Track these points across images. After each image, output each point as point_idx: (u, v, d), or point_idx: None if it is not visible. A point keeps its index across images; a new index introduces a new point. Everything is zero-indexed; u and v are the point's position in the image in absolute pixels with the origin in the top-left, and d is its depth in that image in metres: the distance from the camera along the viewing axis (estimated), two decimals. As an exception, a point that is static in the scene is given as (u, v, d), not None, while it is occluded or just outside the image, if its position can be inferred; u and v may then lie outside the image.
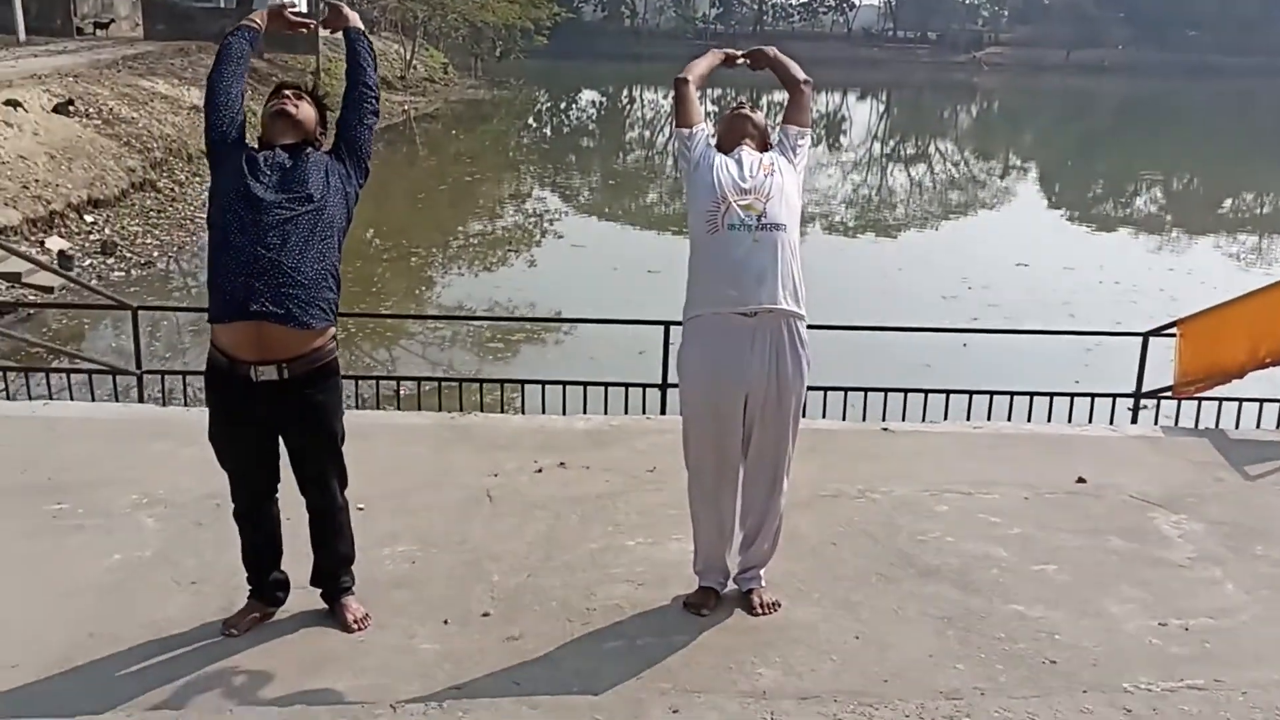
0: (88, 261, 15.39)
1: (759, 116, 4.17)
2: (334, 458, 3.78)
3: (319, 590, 3.93)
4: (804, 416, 4.17)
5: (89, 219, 17.19)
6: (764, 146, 4.08)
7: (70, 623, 3.83)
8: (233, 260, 3.48)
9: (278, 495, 3.85)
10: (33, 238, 15.19)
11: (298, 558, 3.96)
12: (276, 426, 3.69)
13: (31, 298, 13.00)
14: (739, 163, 3.91)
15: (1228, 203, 28.95)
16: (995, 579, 4.34)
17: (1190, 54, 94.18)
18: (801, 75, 4.19)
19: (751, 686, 3.51)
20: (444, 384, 8.06)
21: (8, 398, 7.82)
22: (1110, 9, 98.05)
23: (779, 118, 4.30)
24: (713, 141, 4.08)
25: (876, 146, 42.86)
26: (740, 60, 4.31)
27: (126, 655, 3.62)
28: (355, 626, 3.81)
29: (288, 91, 3.84)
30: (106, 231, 16.99)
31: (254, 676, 3.52)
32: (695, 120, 4.06)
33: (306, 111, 3.78)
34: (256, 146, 3.72)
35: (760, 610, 3.98)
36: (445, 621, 3.89)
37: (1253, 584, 4.36)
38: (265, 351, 3.50)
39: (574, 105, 56.19)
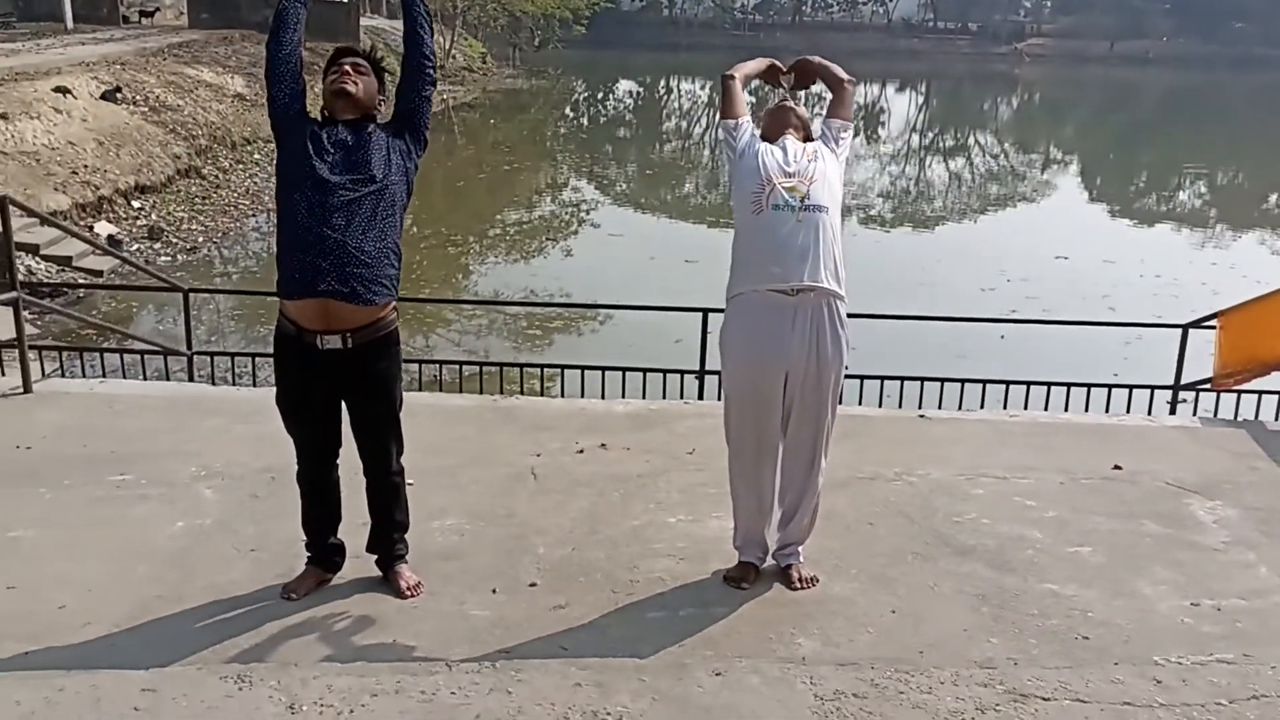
0: (135, 246, 15.68)
1: (802, 109, 4.28)
2: (393, 423, 3.94)
3: (374, 558, 4.08)
4: (841, 403, 4.29)
5: (136, 204, 17.51)
6: (807, 137, 4.19)
7: (138, 584, 4.01)
8: (300, 240, 3.62)
9: (338, 462, 4.00)
10: (81, 222, 15.48)
11: (353, 529, 4.11)
12: (340, 392, 3.85)
13: (81, 280, 13.31)
14: (784, 149, 4.02)
15: (1273, 197, 28.65)
16: (1030, 559, 4.42)
17: (1237, 46, 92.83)
18: (844, 75, 4.30)
19: (791, 654, 3.63)
20: (485, 370, 8.19)
21: (61, 376, 8.06)
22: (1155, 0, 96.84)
23: (818, 108, 4.39)
24: (757, 132, 4.18)
25: (915, 138, 42.68)
26: (786, 75, 4.39)
27: (192, 615, 3.78)
28: (409, 593, 3.96)
29: (346, 64, 3.84)
30: (153, 217, 17.29)
31: (313, 636, 3.67)
32: (741, 113, 4.18)
33: (367, 86, 3.84)
34: (320, 120, 3.81)
35: (799, 585, 4.10)
36: (494, 590, 4.03)
37: (1285, 568, 4.43)
38: (331, 323, 3.66)
39: (611, 95, 56.25)
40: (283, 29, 3.85)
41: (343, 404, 3.90)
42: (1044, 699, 3.30)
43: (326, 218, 3.61)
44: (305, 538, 4.04)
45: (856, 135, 41.94)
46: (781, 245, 3.84)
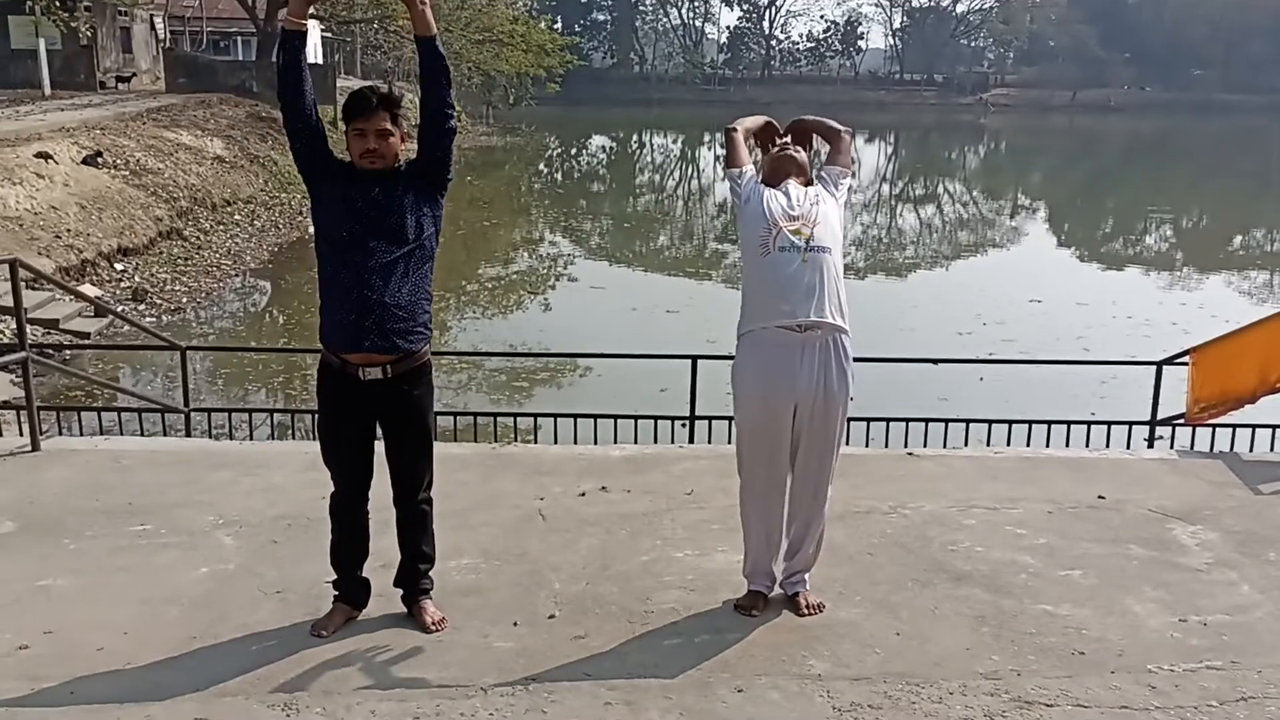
0: (119, 308, 15.77)
1: (801, 155, 4.51)
2: (426, 448, 4.16)
3: (399, 594, 4.24)
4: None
5: (119, 267, 17.63)
6: (808, 182, 4.42)
7: (171, 625, 4.16)
8: (341, 300, 3.92)
9: (369, 495, 4.20)
10: (70, 285, 15.58)
11: (376, 571, 4.28)
12: (378, 417, 4.10)
13: (71, 341, 13.41)
14: (786, 195, 4.26)
15: (1238, 239, 29.25)
16: (1024, 583, 4.64)
17: (1197, 92, 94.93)
18: (839, 126, 4.56)
19: (805, 672, 3.81)
20: (478, 420, 8.35)
21: (60, 434, 8.18)
22: (1115, 49, 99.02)
23: (818, 153, 4.62)
24: (759, 179, 4.42)
25: (886, 188, 43.32)
26: (782, 138, 4.62)
27: (228, 652, 3.93)
28: (434, 627, 4.13)
29: (370, 133, 3.93)
30: (136, 279, 17.40)
31: (349, 668, 3.83)
32: (743, 162, 4.43)
33: (391, 147, 4.01)
34: (347, 168, 4.02)
35: (806, 611, 4.28)
36: (515, 623, 4.19)
37: (1266, 585, 4.65)
38: (372, 360, 3.96)
39: (585, 150, 56.92)
40: (285, 79, 4.03)
41: (376, 436, 4.13)
42: (1047, 705, 3.50)
43: (366, 279, 3.88)
44: (333, 574, 4.21)
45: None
46: (788, 283, 4.07)
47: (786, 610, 4.32)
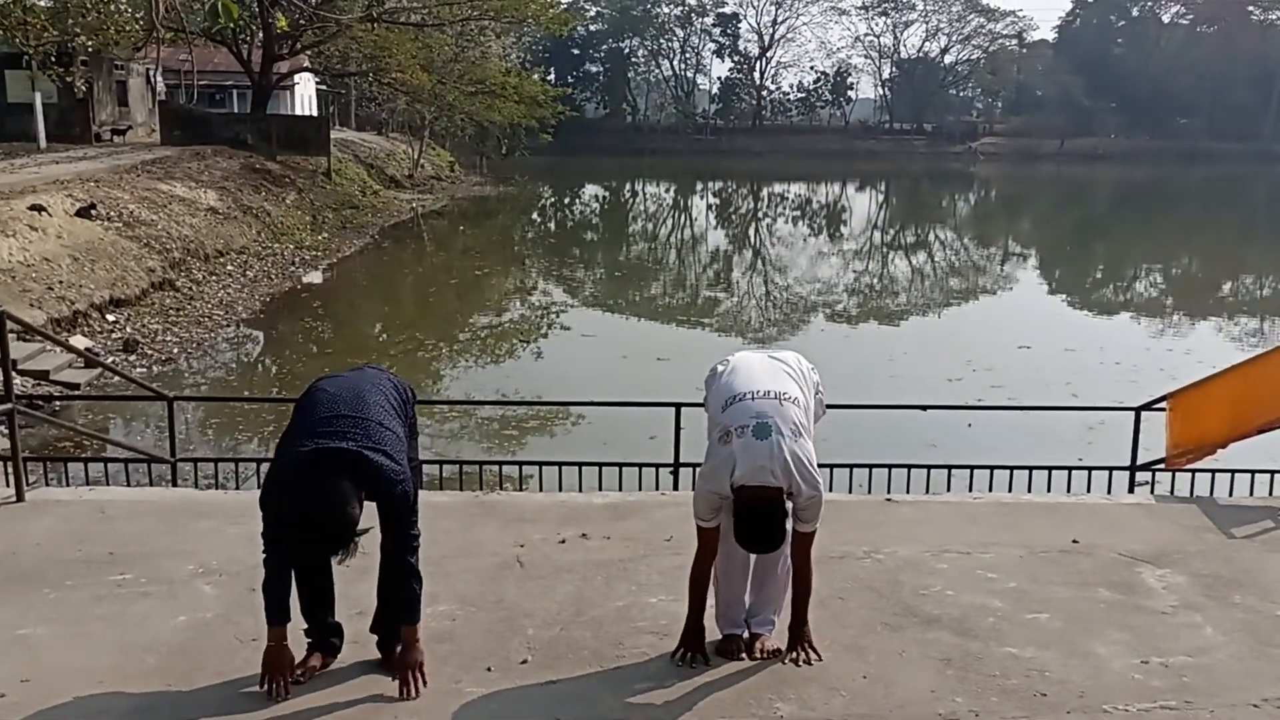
0: (110, 359, 15.83)
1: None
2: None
3: (374, 639, 4.29)
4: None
5: (111, 318, 17.73)
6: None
7: (148, 674, 4.21)
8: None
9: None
10: (58, 337, 15.67)
11: (348, 616, 4.32)
12: None
13: (59, 394, 13.47)
14: None
15: (1226, 286, 29.47)
16: (992, 626, 4.70)
17: (1183, 140, 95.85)
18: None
19: (770, 715, 3.87)
20: (464, 469, 8.40)
21: (46, 485, 8.23)
22: (1102, 98, 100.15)
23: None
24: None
25: (877, 235, 43.63)
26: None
27: (203, 701, 3.99)
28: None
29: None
30: (128, 330, 17.48)
31: (320, 716, 3.87)
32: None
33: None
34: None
35: (758, 654, 4.38)
36: (489, 669, 4.25)
37: (1230, 627, 4.72)
38: None
39: (578, 200, 57.30)
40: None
41: None
42: (1004, 746, 3.56)
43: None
44: (305, 624, 4.25)
45: (818, 234, 42.94)
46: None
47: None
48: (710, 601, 4.53)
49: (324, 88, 57.44)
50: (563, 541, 5.81)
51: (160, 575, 5.23)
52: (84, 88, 33.13)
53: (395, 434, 4.07)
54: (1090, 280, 31.23)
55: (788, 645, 4.38)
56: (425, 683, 4.07)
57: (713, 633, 4.50)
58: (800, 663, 4.30)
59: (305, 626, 4.26)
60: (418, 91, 41.68)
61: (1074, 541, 5.86)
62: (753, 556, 4.41)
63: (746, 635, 4.50)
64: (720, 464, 4.18)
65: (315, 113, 53.66)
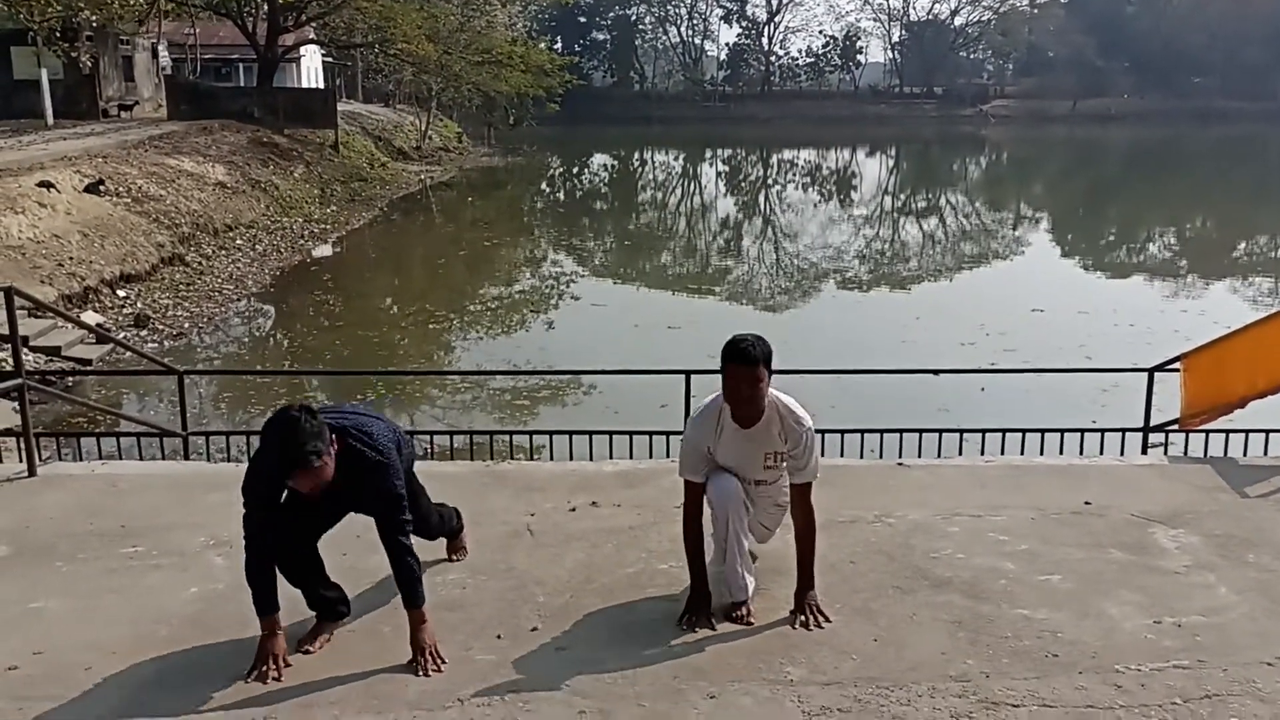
0: (121, 335, 15.88)
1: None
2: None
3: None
4: (823, 456, 4.54)
5: (121, 294, 17.76)
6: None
7: (159, 644, 4.22)
8: None
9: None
10: (68, 313, 15.70)
11: (363, 584, 4.32)
12: None
13: (72, 368, 13.51)
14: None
15: (1241, 246, 29.26)
16: (1003, 588, 4.68)
17: (1197, 100, 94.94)
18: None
19: (780, 678, 3.86)
20: (474, 440, 8.37)
21: (59, 460, 8.25)
22: (1115, 59, 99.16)
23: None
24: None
25: (888, 201, 43.39)
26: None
27: (213, 671, 4.00)
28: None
29: (306, 482, 3.86)
30: (138, 305, 17.52)
31: (329, 683, 3.89)
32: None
33: (328, 468, 3.89)
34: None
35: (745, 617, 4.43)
36: (498, 636, 4.25)
37: (1243, 586, 4.70)
38: None
39: (586, 169, 57.11)
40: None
41: None
42: (1014, 706, 3.55)
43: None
44: (305, 599, 4.30)
45: (828, 200, 42.77)
46: None
47: (769, 620, 4.37)
48: (718, 568, 4.53)
49: (330, 60, 57.28)
50: (573, 510, 5.80)
51: (171, 548, 5.25)
52: (89, 63, 33.09)
53: (385, 425, 4.14)
54: (1103, 242, 31.03)
55: (795, 609, 4.37)
56: (442, 661, 4.04)
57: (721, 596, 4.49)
58: (811, 626, 4.29)
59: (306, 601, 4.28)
60: (424, 62, 41.49)
61: (1086, 503, 5.83)
62: (747, 520, 4.42)
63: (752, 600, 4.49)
64: (708, 401, 4.39)
65: (321, 85, 53.48)
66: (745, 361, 4.18)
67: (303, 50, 47.66)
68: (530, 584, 4.77)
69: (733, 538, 4.36)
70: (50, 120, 31.34)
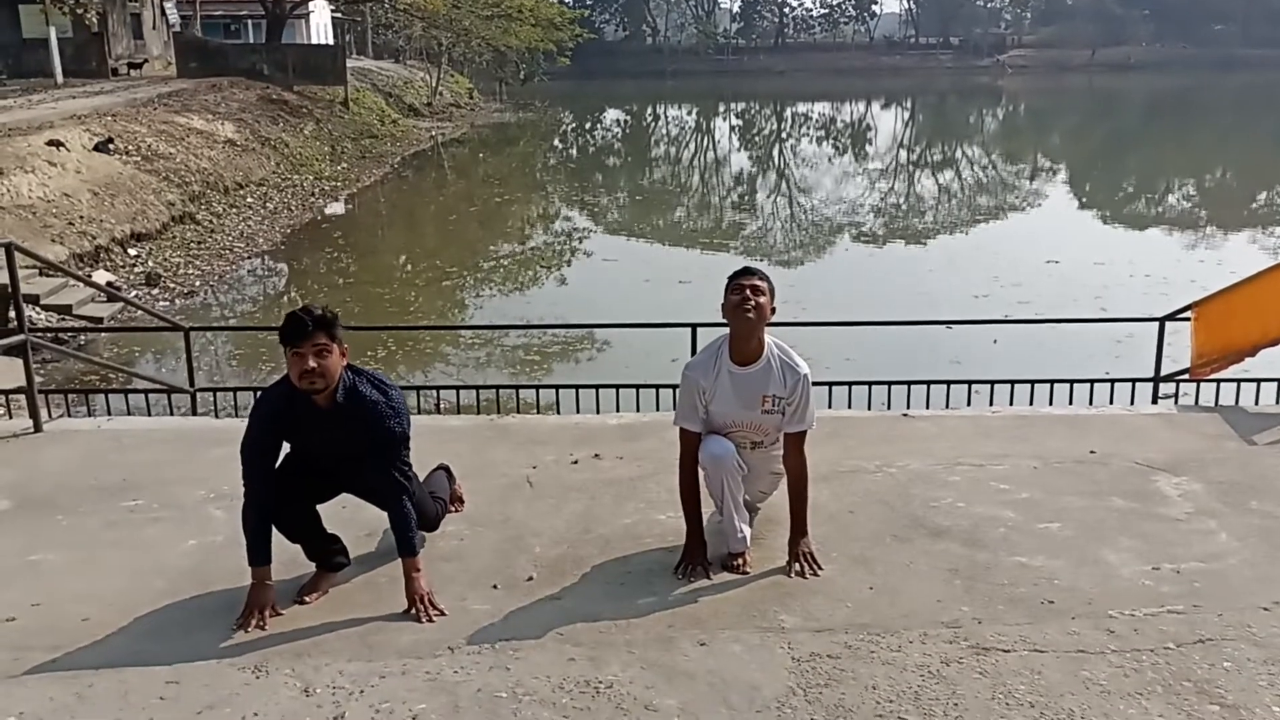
0: (133, 293, 15.91)
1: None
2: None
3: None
4: (831, 408, 4.48)
5: (132, 252, 17.78)
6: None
7: (156, 596, 4.23)
8: None
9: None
10: (79, 272, 15.74)
11: (361, 537, 4.32)
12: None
13: (84, 325, 13.56)
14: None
15: (1262, 195, 28.95)
16: (1002, 536, 4.66)
17: (1217, 48, 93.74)
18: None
19: (772, 626, 3.86)
20: (481, 395, 8.36)
21: (67, 417, 8.28)
22: (1134, 6, 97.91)
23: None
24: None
25: (903, 154, 43.08)
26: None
27: (210, 622, 4.01)
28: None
29: (307, 351, 3.90)
30: (149, 264, 17.55)
31: (326, 635, 3.90)
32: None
33: (331, 362, 3.96)
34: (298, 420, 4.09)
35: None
36: (494, 586, 4.25)
37: (1244, 533, 4.66)
38: None
39: (599, 125, 56.79)
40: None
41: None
42: (1005, 651, 3.54)
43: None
44: (304, 552, 4.31)
45: (843, 154, 42.45)
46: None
47: (764, 569, 4.37)
48: (717, 518, 4.52)
49: (339, 16, 56.92)
50: (575, 462, 5.79)
51: (172, 501, 5.26)
52: (96, 20, 32.94)
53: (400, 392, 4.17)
54: (1121, 194, 30.76)
55: (789, 558, 4.36)
56: (435, 611, 4.03)
57: (717, 548, 4.48)
58: (807, 575, 4.27)
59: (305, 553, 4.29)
60: (433, 17, 41.26)
61: (1091, 452, 5.78)
62: (744, 474, 4.43)
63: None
64: (707, 345, 4.51)
65: (331, 42, 53.22)
66: (748, 272, 4.32)
67: (311, 6, 47.38)
68: (528, 535, 4.76)
69: (729, 496, 4.35)
70: (60, 79, 31.29)
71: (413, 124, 42.22)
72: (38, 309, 13.70)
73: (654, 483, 5.38)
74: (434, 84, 52.01)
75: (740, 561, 4.39)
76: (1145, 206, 28.44)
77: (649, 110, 65.86)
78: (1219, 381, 7.66)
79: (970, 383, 7.94)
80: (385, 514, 4.21)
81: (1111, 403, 7.56)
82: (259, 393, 8.17)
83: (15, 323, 6.99)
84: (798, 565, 4.31)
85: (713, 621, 3.90)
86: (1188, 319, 7.79)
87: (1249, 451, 5.82)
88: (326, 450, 4.12)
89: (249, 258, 19.41)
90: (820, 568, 4.33)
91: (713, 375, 4.33)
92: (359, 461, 4.10)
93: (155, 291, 16.30)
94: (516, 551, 4.59)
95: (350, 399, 3.98)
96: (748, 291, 4.24)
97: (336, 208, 25.46)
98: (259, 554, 4.06)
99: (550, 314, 15.53)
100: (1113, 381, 7.84)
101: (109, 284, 15.58)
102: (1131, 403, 7.70)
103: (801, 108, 66.68)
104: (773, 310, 4.31)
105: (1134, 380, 8.01)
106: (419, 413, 8.07)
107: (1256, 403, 7.34)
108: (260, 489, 4.05)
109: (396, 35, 57.38)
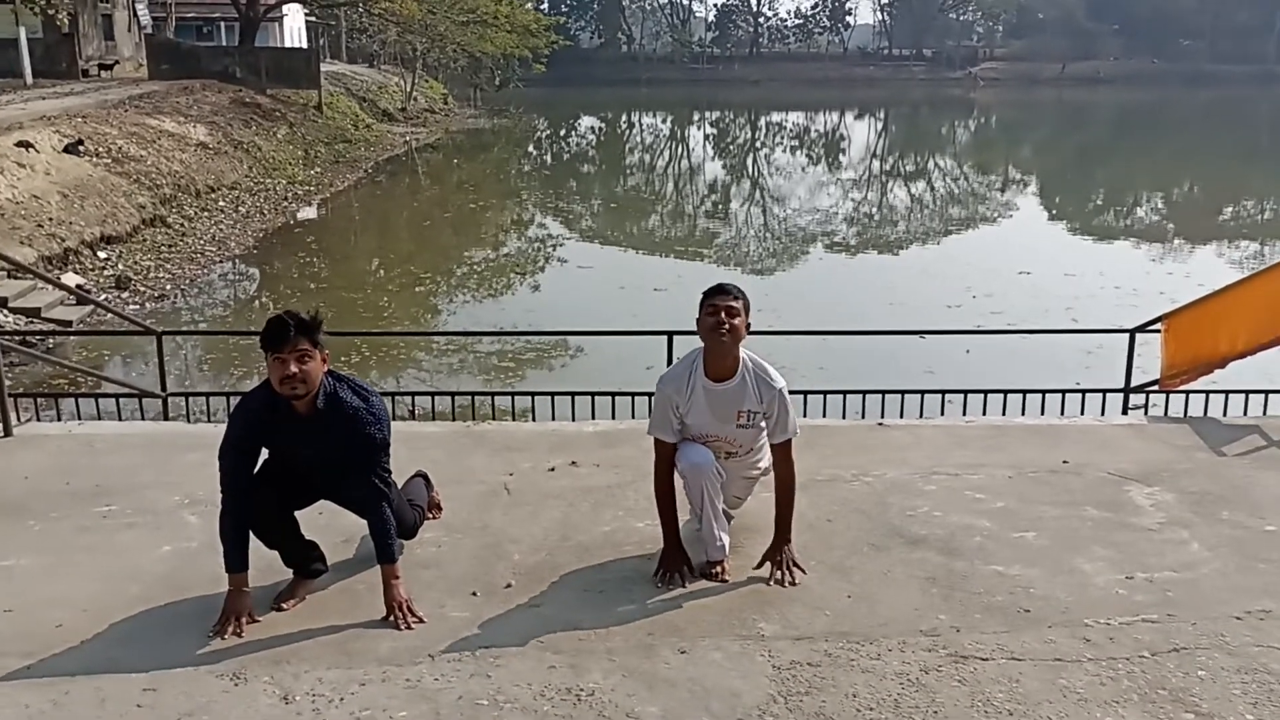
0: (103, 297, 15.77)
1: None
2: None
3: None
4: (805, 417, 4.51)
5: (102, 255, 17.63)
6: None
7: (131, 602, 4.20)
8: None
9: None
10: (48, 275, 15.58)
11: (339, 544, 4.31)
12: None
13: (53, 329, 13.43)
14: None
15: (1228, 210, 29.29)
16: (978, 545, 4.70)
17: (1185, 63, 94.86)
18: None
19: (751, 634, 3.88)
20: (456, 401, 8.34)
21: (37, 421, 8.20)
22: (1104, 21, 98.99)
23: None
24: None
25: (876, 164, 43.32)
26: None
27: (186, 628, 3.98)
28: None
29: (288, 357, 3.88)
30: (120, 267, 17.40)
31: (304, 642, 3.87)
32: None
33: (312, 369, 3.94)
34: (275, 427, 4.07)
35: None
36: (473, 594, 4.25)
37: (1216, 543, 4.72)
38: None
39: (574, 132, 56.79)
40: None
41: None
42: (982, 659, 3.57)
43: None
44: (282, 559, 4.28)
45: (817, 164, 42.65)
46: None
47: (743, 577, 4.38)
48: (695, 527, 4.53)
49: (313, 19, 56.66)
50: (552, 469, 5.78)
51: (146, 506, 5.22)
52: (68, 21, 32.66)
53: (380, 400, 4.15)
54: (1091, 206, 31.05)
55: (771, 563, 4.37)
56: (412, 619, 4.01)
57: (696, 555, 4.49)
58: (785, 582, 4.29)
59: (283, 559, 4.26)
60: (408, 22, 41.15)
61: (1064, 462, 5.84)
62: (722, 481, 4.44)
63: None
64: (682, 359, 4.46)
65: (305, 45, 52.96)
66: (723, 290, 4.30)
67: (285, 9, 47.11)
68: (506, 542, 4.75)
69: (708, 503, 4.36)
70: (29, 79, 30.98)
71: (387, 129, 42.10)
72: (5, 312, 13.57)
73: (632, 490, 5.38)
74: (408, 89, 51.87)
75: (719, 569, 4.40)
76: (1115, 219, 28.73)
77: (624, 118, 65.94)
78: (1187, 393, 7.73)
79: (944, 392, 8.01)
80: (363, 521, 4.20)
81: (1083, 413, 7.62)
82: (232, 398, 8.19)
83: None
84: (779, 572, 4.32)
85: (692, 629, 3.91)
86: (1158, 331, 7.87)
87: (1219, 462, 5.89)
88: (306, 456, 4.10)
89: (220, 262, 19.28)
90: (803, 571, 4.35)
91: (687, 391, 4.33)
92: (338, 468, 4.08)
93: (125, 295, 16.16)
94: (495, 559, 4.58)
95: (331, 405, 3.97)
96: (723, 314, 4.22)
97: (309, 212, 25.35)
98: (236, 560, 4.03)
99: (524, 320, 15.51)
100: (1084, 392, 7.92)
101: (79, 287, 15.44)
102: (1102, 413, 7.76)
103: (776, 117, 66.93)
104: (748, 327, 4.30)
105: (1105, 391, 8.08)
106: (394, 419, 8.06)
107: (1225, 414, 7.42)
108: (238, 495, 4.02)
109: (371, 40, 57.21)
